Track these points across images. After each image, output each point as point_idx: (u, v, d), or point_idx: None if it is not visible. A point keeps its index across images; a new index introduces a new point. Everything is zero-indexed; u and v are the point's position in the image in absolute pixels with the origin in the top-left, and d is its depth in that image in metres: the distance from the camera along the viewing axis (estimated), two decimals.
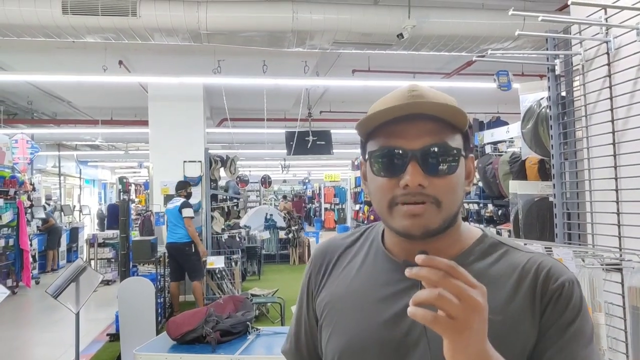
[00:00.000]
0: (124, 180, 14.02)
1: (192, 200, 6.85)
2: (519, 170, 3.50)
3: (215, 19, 4.19)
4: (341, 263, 0.88)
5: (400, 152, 0.73)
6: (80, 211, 14.08)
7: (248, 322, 2.99)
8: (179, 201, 6.09)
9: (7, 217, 7.96)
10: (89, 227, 13.95)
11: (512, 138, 5.37)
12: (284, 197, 17.91)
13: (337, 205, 20.33)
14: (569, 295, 0.73)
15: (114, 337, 5.12)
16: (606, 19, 2.08)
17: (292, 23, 4.22)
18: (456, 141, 0.75)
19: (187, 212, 5.93)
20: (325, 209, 20.52)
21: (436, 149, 0.72)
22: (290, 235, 10.93)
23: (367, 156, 0.78)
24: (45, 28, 4.25)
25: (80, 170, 15.67)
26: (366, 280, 0.83)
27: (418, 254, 0.59)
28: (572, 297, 0.73)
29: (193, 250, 5.95)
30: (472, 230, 0.83)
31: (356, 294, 0.82)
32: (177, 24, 4.20)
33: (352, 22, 4.29)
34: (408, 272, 0.59)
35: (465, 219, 6.36)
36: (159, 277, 5.64)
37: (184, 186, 6.35)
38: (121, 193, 11.46)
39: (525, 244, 0.85)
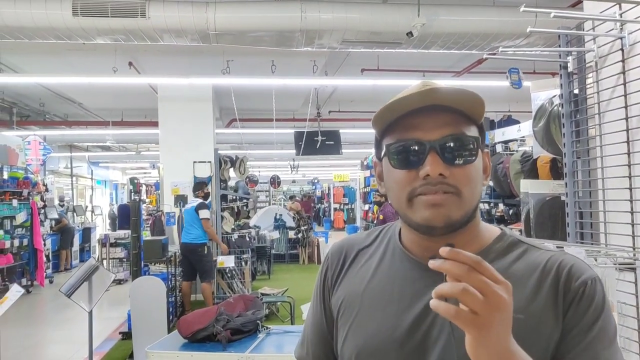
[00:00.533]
0: (135, 181, 14.13)
1: None
2: (530, 169, 3.46)
3: (223, 19, 4.21)
4: (358, 262, 0.87)
5: (419, 143, 0.72)
6: (92, 211, 14.24)
7: (258, 321, 3.00)
8: (196, 202, 6.13)
9: (21, 217, 8.08)
10: (101, 227, 14.09)
11: (523, 137, 5.31)
12: (291, 197, 17.90)
13: (346, 205, 20.31)
14: (591, 294, 0.72)
15: (127, 336, 5.17)
16: (620, 15, 2.05)
17: (301, 22, 4.22)
18: (473, 132, 0.75)
19: (204, 214, 5.96)
20: (335, 209, 20.51)
21: (455, 139, 0.72)
22: (300, 235, 10.94)
23: (384, 151, 0.78)
24: (55, 30, 4.29)
25: (92, 171, 15.85)
26: (384, 279, 0.81)
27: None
28: (595, 297, 0.72)
29: (206, 252, 5.98)
30: (491, 229, 0.82)
31: (374, 292, 0.81)
32: (186, 24, 4.22)
33: (361, 21, 4.28)
34: (432, 263, 0.58)
35: None
36: (169, 276, 5.68)
37: (200, 187, 6.39)
38: (132, 193, 11.55)
39: (561, 251, 0.81)
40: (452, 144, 0.72)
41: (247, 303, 3.17)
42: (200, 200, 6.14)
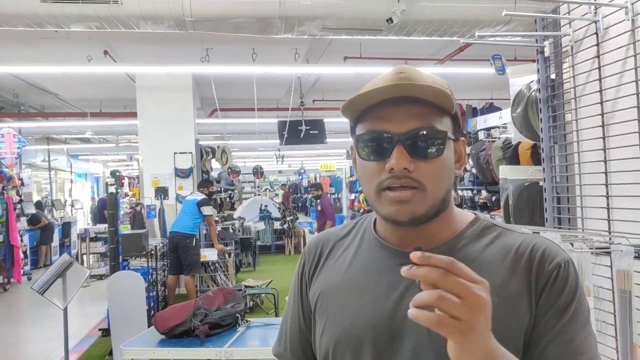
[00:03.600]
0: (117, 174, 13.92)
1: (184, 193, 6.81)
2: (512, 155, 3.46)
3: (200, 5, 4.09)
4: (335, 253, 0.87)
5: (387, 135, 0.73)
6: (72, 205, 13.99)
7: (238, 314, 2.95)
8: (199, 195, 6.12)
9: None
10: (82, 222, 13.86)
11: (505, 124, 5.33)
12: (283, 185, 18.12)
13: (333, 195, 20.31)
14: (565, 277, 0.72)
15: (106, 332, 5.09)
16: None
17: (280, 8, 4.13)
18: (444, 124, 0.74)
19: (208, 210, 6.01)
20: None
21: (422, 133, 0.72)
22: (285, 226, 10.90)
23: (355, 140, 0.78)
24: (24, 17, 4.13)
25: (71, 164, 15.53)
26: (360, 269, 0.81)
27: (413, 250, 0.56)
28: (568, 279, 0.72)
29: (194, 244, 5.93)
30: (465, 214, 0.82)
31: (350, 283, 0.81)
32: (161, 11, 4.10)
33: (341, 7, 4.20)
34: (404, 271, 0.56)
35: (459, 206, 6.31)
36: (150, 270, 5.59)
37: (206, 184, 6.44)
38: (108, 186, 11.37)
39: (534, 233, 0.83)
40: (418, 138, 0.72)
41: (226, 296, 3.12)
42: (204, 196, 6.14)
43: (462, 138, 0.80)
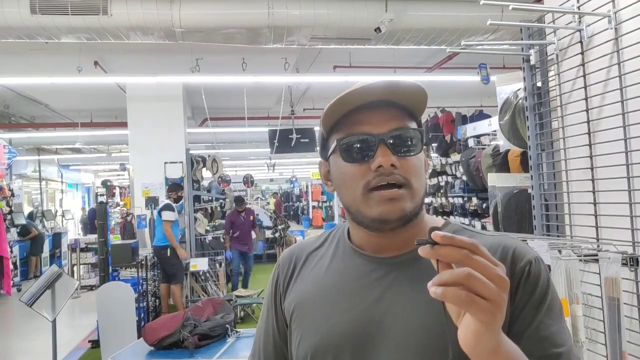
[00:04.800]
0: (108, 184, 13.81)
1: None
2: (501, 163, 3.48)
3: (189, 16, 4.11)
4: (309, 264, 0.87)
5: (369, 136, 0.75)
6: (63, 216, 13.84)
7: (227, 325, 2.92)
8: (163, 203, 6.05)
9: None
10: (72, 232, 13.72)
11: (494, 131, 5.35)
12: (275, 193, 18.06)
13: (324, 203, 20.29)
14: (537, 273, 0.74)
15: (96, 344, 5.01)
16: (578, 7, 2.05)
17: (268, 19, 4.15)
18: (415, 127, 0.79)
19: (166, 215, 5.86)
20: (313, 207, 20.47)
21: (403, 131, 0.76)
22: (277, 235, 10.85)
23: (333, 146, 0.79)
24: (14, 29, 4.12)
25: (62, 174, 15.40)
26: (336, 277, 0.82)
27: (430, 230, 0.54)
28: (540, 275, 0.74)
29: (169, 254, 5.88)
30: (436, 220, 0.85)
31: (326, 291, 0.81)
32: (150, 22, 4.10)
33: (329, 17, 4.24)
34: (424, 250, 0.54)
35: (450, 213, 6.35)
36: (140, 281, 5.54)
37: (175, 188, 6.30)
38: (98, 196, 11.29)
39: (502, 235, 0.84)
40: (400, 137, 0.75)
41: (216, 307, 3.09)
42: (167, 201, 6.04)
43: (424, 146, 0.82)
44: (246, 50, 5.61)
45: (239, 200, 7.75)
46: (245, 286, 7.36)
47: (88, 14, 4.06)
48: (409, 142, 0.76)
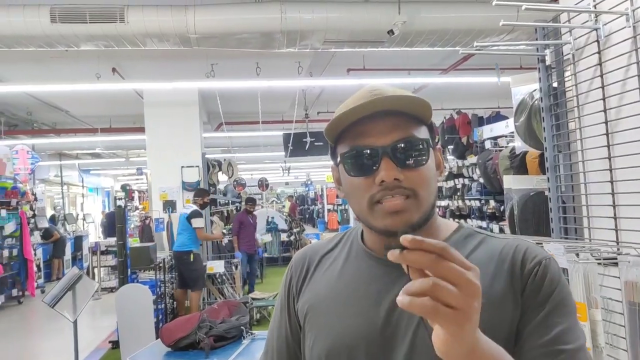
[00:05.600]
0: (127, 188, 14.04)
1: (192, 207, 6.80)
2: (519, 165, 3.43)
3: (203, 22, 4.16)
4: (322, 266, 0.87)
5: (371, 150, 0.74)
6: (84, 219, 14.12)
7: (242, 327, 2.94)
8: (190, 208, 5.99)
9: (10, 227, 7.99)
10: (93, 235, 13.98)
11: (511, 132, 5.28)
12: (290, 197, 18.09)
13: (339, 206, 20.25)
14: (545, 271, 0.74)
15: (116, 345, 5.11)
16: (595, 6, 2.02)
17: (281, 23, 4.18)
18: (422, 133, 0.77)
19: (197, 223, 5.83)
20: (328, 210, 20.44)
21: (406, 143, 0.74)
22: (292, 238, 10.89)
23: (338, 159, 0.79)
24: (35, 38, 4.24)
25: (83, 178, 15.72)
26: (350, 280, 0.82)
27: (401, 234, 0.52)
28: (548, 273, 0.74)
29: (192, 260, 5.86)
30: (449, 223, 0.84)
31: (340, 293, 0.81)
32: (166, 28, 4.17)
33: (342, 20, 4.24)
34: (393, 255, 0.52)
35: (467, 216, 6.28)
36: (159, 283, 5.61)
37: (201, 194, 6.24)
38: (117, 200, 11.48)
39: (515, 238, 0.84)
40: (403, 148, 0.74)
41: (231, 309, 3.12)
42: (194, 208, 5.99)
43: (438, 146, 0.82)
44: (260, 55, 5.66)
45: (251, 200, 7.79)
46: (251, 289, 7.38)
47: (105, 22, 4.15)
48: (414, 153, 0.74)
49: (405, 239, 0.52)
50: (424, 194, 0.74)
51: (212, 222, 6.92)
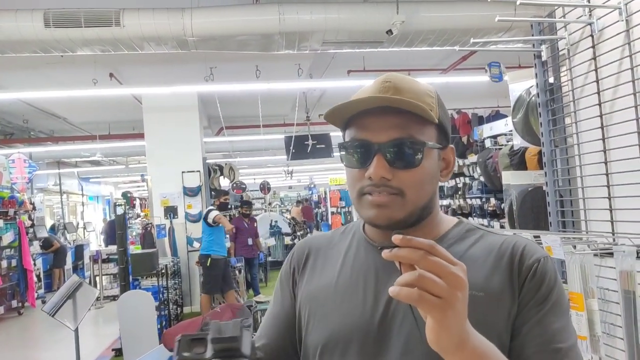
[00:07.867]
0: (128, 195, 14.03)
1: (193, 211, 6.82)
2: (519, 162, 3.45)
3: (201, 25, 4.16)
4: (323, 256, 0.88)
5: (367, 144, 0.75)
6: (84, 228, 14.10)
7: None
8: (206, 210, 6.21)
9: (8, 237, 7.90)
10: (94, 244, 13.96)
11: (511, 131, 5.28)
12: (299, 202, 17.81)
13: (343, 209, 20.22)
14: (544, 271, 0.75)
15: (119, 352, 5.09)
16: (588, 0, 2.03)
17: (280, 25, 4.18)
18: (426, 134, 0.76)
19: (212, 216, 5.96)
20: (332, 212, 20.43)
21: (401, 143, 0.74)
22: (296, 241, 10.88)
23: (339, 147, 0.81)
24: (28, 43, 4.18)
25: (82, 187, 15.71)
26: (350, 270, 0.83)
27: (393, 234, 0.58)
28: (547, 273, 0.75)
29: (209, 264, 5.96)
30: (449, 219, 0.85)
31: (340, 284, 0.82)
32: (163, 32, 4.17)
33: (340, 21, 4.25)
34: (385, 254, 0.58)
35: (468, 214, 6.27)
36: (161, 289, 5.61)
37: (217, 195, 6.51)
38: (116, 207, 11.47)
39: (514, 234, 0.86)
40: (397, 148, 0.74)
41: (234, 312, 3.12)
42: (211, 207, 6.21)
43: (450, 145, 0.81)
44: (259, 58, 5.66)
45: (246, 203, 7.79)
46: (256, 292, 7.38)
47: (101, 26, 4.12)
48: (408, 155, 0.74)
49: (396, 238, 0.57)
50: (412, 196, 0.74)
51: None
